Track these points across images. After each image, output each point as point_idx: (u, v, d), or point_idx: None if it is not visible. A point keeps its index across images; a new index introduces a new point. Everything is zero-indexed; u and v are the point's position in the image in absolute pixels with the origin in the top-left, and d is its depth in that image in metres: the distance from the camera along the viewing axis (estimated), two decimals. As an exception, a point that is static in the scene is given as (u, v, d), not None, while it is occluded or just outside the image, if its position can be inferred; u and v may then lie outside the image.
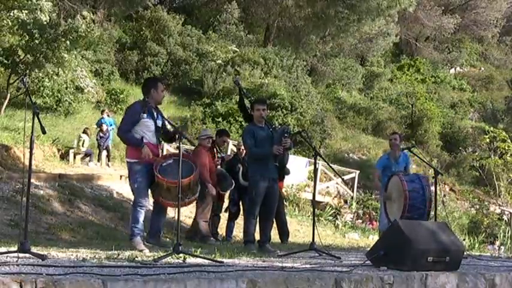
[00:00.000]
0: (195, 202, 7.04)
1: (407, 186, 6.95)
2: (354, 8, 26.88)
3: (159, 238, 6.21)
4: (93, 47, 16.43)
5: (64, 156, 14.87)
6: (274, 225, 8.98)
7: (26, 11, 14.83)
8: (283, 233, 9.68)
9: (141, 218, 5.78)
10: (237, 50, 25.64)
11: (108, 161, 15.49)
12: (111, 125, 16.56)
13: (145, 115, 5.79)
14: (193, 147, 14.07)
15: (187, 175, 5.63)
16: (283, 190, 11.11)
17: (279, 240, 9.53)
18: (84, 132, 15.46)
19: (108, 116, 16.83)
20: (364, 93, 31.26)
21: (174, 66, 24.23)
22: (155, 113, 5.88)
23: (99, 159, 15.47)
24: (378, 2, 26.26)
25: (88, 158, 15.15)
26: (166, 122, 5.94)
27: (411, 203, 6.84)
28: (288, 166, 8.43)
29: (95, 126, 16.33)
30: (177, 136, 5.46)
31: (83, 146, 15.20)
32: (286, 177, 9.95)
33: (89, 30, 15.37)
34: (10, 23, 14.83)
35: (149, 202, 5.98)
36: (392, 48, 35.11)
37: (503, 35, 43.71)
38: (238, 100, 8.45)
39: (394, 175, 7.54)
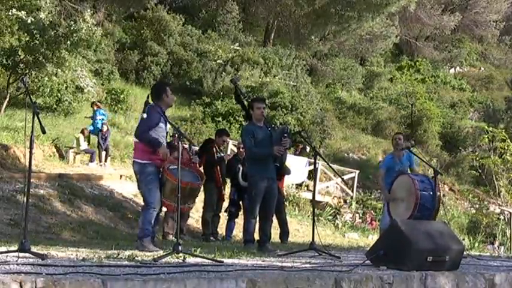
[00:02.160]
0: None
1: (419, 186, 6.90)
2: (353, 6, 26.90)
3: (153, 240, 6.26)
4: (93, 47, 16.40)
5: (64, 156, 14.85)
6: (276, 224, 8.99)
7: (25, 12, 14.79)
8: (284, 232, 9.70)
9: (153, 220, 5.81)
10: (239, 48, 25.67)
11: (106, 161, 15.45)
12: (104, 115, 16.45)
13: (144, 115, 5.89)
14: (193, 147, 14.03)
15: (196, 181, 6.12)
16: (284, 190, 11.10)
17: (279, 240, 9.56)
18: (82, 132, 15.44)
19: (99, 107, 16.65)
20: (364, 93, 31.25)
21: (174, 66, 24.22)
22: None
23: (100, 159, 15.46)
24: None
25: (90, 157, 15.12)
26: (168, 124, 6.03)
27: (422, 203, 6.77)
28: (287, 166, 8.42)
29: (90, 118, 16.21)
30: (177, 135, 5.50)
31: (79, 145, 15.18)
32: (286, 177, 9.97)
33: (90, 34, 15.33)
34: (8, 23, 14.79)
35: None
36: (392, 48, 35.12)
37: (503, 34, 43.73)
38: (235, 98, 8.45)
39: (403, 174, 7.48)
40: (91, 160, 15.04)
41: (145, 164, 5.83)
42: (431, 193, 6.85)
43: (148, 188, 5.83)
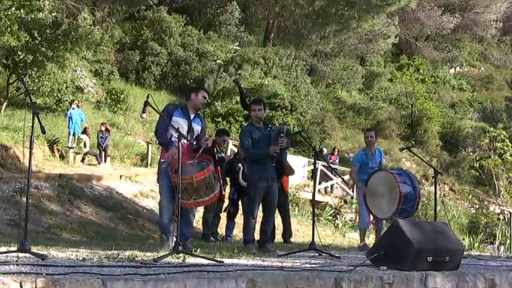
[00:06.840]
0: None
1: (399, 179, 7.07)
2: (353, 6, 26.91)
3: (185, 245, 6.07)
4: (93, 48, 16.40)
5: (64, 156, 14.86)
6: (277, 225, 9.00)
7: (24, 11, 14.77)
8: (286, 232, 9.73)
9: (166, 218, 5.91)
10: (239, 48, 25.66)
11: (105, 161, 15.44)
12: (81, 120, 15.99)
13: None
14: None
15: (200, 170, 5.61)
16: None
17: (283, 240, 9.59)
18: (84, 132, 15.42)
19: (77, 107, 16.06)
20: (364, 93, 31.27)
21: (174, 66, 24.22)
22: (192, 116, 6.07)
23: (101, 159, 15.47)
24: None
25: (97, 159, 15.08)
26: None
27: (405, 195, 6.96)
28: (291, 166, 8.40)
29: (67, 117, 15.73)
30: (177, 135, 5.47)
31: (84, 146, 15.15)
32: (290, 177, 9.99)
33: (90, 33, 15.32)
34: (8, 22, 14.77)
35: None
36: (392, 48, 35.11)
37: (503, 35, 43.73)
38: (240, 100, 8.46)
39: (379, 170, 7.69)
40: (99, 162, 15.02)
41: (161, 162, 6.09)
42: (411, 184, 7.07)
43: (160, 184, 6.10)
